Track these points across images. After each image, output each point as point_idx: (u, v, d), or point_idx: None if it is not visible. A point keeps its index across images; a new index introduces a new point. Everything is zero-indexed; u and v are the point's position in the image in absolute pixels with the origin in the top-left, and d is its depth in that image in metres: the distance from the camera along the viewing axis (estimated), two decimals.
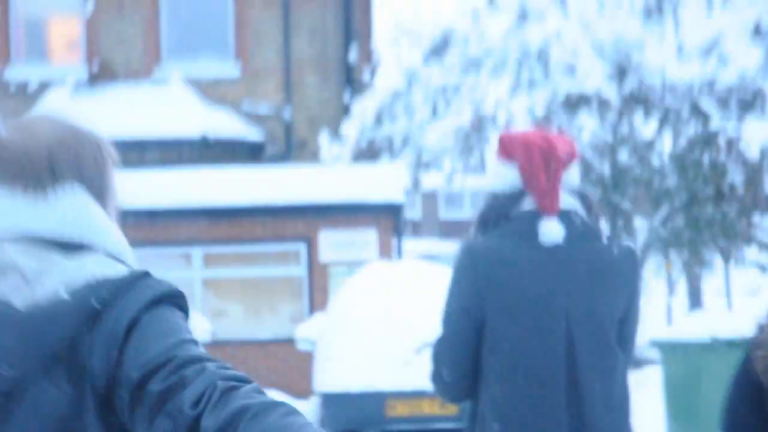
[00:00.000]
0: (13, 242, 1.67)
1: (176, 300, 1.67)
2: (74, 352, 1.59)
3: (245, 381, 1.58)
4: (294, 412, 1.55)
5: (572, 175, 3.32)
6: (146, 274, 1.67)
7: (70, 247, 1.68)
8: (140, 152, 17.65)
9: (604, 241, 3.28)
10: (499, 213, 3.26)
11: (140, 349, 1.59)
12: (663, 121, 16.73)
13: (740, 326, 9.54)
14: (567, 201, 3.26)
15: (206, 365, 1.58)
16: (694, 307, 28.98)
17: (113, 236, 1.74)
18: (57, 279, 1.63)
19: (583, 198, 3.31)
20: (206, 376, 1.56)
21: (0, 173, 1.72)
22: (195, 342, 1.64)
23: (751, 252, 19.51)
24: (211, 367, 1.58)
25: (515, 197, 3.26)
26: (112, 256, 1.72)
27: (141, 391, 1.57)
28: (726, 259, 19.59)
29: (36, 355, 1.59)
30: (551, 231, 3.19)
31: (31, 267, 1.65)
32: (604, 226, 3.35)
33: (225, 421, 1.52)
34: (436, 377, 3.33)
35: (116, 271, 1.66)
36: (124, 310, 1.61)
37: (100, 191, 1.77)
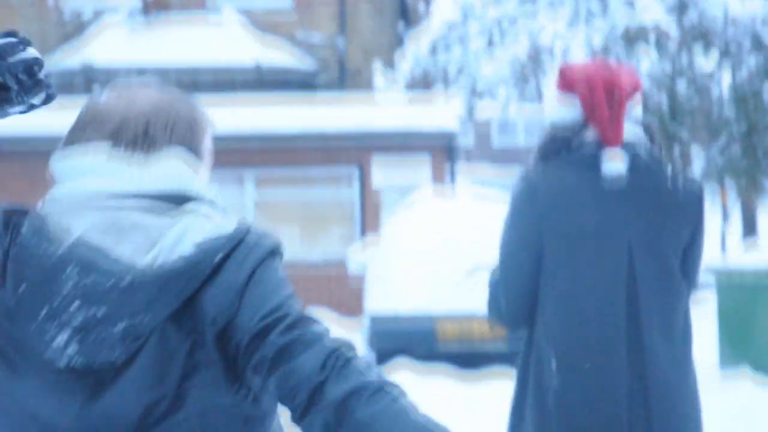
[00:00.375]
0: (128, 203, 1.80)
1: (279, 250, 1.84)
2: (197, 301, 1.76)
3: (352, 348, 1.78)
4: (402, 394, 1.74)
5: (636, 107, 3.27)
6: (250, 228, 1.82)
7: (177, 200, 1.82)
8: (194, 79, 17.68)
9: (669, 173, 3.23)
10: (560, 145, 3.22)
11: (258, 300, 1.77)
12: (723, 54, 16.48)
13: None
14: (631, 132, 3.22)
15: (319, 328, 1.78)
16: (749, 235, 28.80)
17: (212, 192, 1.88)
18: (178, 235, 1.78)
19: (649, 132, 3.26)
20: (325, 341, 1.75)
21: (101, 138, 1.84)
22: (296, 294, 1.82)
23: None
24: (323, 330, 1.78)
25: (576, 129, 3.21)
26: (214, 206, 1.86)
27: (262, 340, 1.75)
28: None
29: (166, 306, 1.75)
30: (614, 163, 3.14)
31: (150, 224, 1.78)
32: (665, 157, 3.30)
33: (346, 393, 1.70)
34: (493, 306, 3.30)
35: (225, 223, 1.82)
36: (242, 263, 1.77)
37: (193, 151, 1.88)
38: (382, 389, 1.72)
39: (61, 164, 1.85)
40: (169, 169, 1.83)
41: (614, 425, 3.08)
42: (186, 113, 1.90)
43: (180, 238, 1.77)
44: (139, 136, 1.84)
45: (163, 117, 1.86)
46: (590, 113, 3.17)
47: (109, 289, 1.74)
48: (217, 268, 1.76)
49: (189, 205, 1.82)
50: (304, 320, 1.78)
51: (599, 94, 3.16)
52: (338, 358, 1.74)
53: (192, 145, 1.89)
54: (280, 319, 1.76)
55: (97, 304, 1.74)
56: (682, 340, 3.17)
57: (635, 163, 3.16)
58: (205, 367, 1.76)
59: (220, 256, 1.76)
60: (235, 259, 1.77)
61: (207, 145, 1.94)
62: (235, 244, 1.78)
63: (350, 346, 1.78)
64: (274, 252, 1.82)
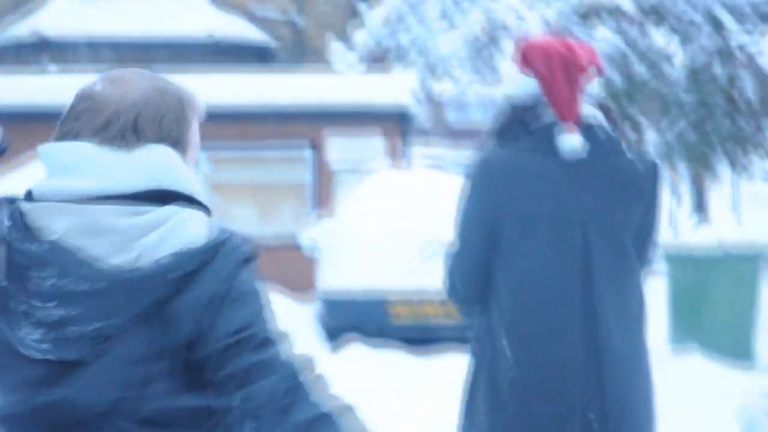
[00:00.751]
0: (109, 204, 1.84)
1: (254, 255, 1.88)
2: (171, 308, 1.81)
3: (314, 366, 1.88)
4: (357, 420, 1.90)
5: (593, 85, 3.22)
6: (230, 236, 1.86)
7: (160, 199, 1.86)
8: (147, 53, 17.47)
9: (627, 154, 3.18)
10: (516, 123, 3.17)
11: (233, 314, 1.82)
12: (679, 34, 16.54)
13: (748, 238, 9.54)
14: (589, 112, 3.16)
15: (287, 348, 1.86)
16: (701, 219, 28.98)
17: (197, 185, 1.93)
18: (156, 241, 1.82)
19: (605, 110, 3.21)
20: (293, 364, 1.85)
21: (93, 129, 1.90)
22: (268, 304, 1.88)
23: (763, 164, 19.45)
24: (290, 350, 1.86)
25: (534, 108, 3.16)
26: (198, 203, 1.90)
27: (232, 356, 1.82)
28: (737, 171, 19.52)
29: (136, 307, 1.80)
30: (572, 144, 3.09)
31: (128, 227, 1.83)
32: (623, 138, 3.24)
33: (310, 419, 1.82)
34: (450, 289, 3.26)
35: (206, 229, 1.86)
36: (218, 274, 1.82)
37: (178, 145, 1.95)
38: (340, 418, 1.86)
39: (48, 157, 1.90)
40: (152, 167, 1.87)
41: (568, 410, 3.04)
42: (175, 105, 1.95)
43: (158, 244, 1.82)
44: (128, 129, 1.89)
45: (152, 109, 1.91)
46: (547, 91, 3.12)
47: (85, 292, 1.80)
48: (193, 277, 1.81)
49: (171, 207, 1.86)
50: (274, 339, 1.85)
51: (557, 72, 3.10)
52: (304, 382, 1.84)
53: (179, 138, 1.95)
54: (252, 336, 1.82)
55: (73, 305, 1.81)
56: (637, 321, 3.14)
57: (591, 142, 3.11)
58: (169, 372, 1.82)
59: (195, 265, 1.81)
60: (213, 270, 1.82)
61: (194, 134, 2.00)
62: (213, 254, 1.83)
63: (313, 365, 1.88)
64: (249, 259, 1.87)
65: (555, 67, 3.11)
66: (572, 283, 3.07)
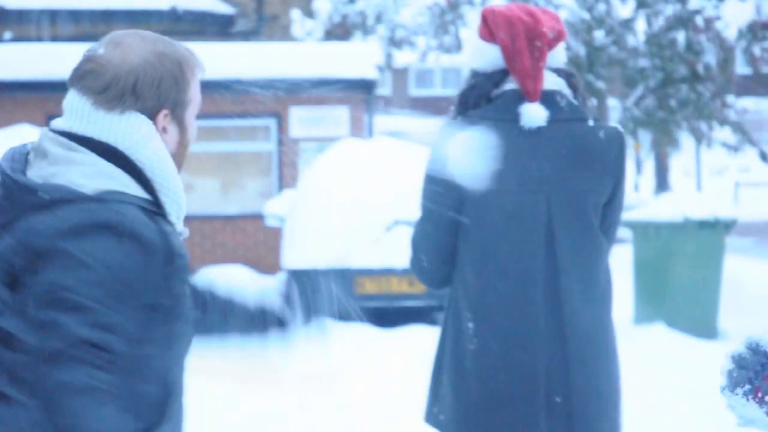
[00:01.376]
0: (61, 138, 2.02)
1: (114, 225, 1.92)
2: (19, 222, 1.96)
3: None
4: None
5: (559, 54, 3.17)
6: (121, 213, 1.94)
7: (109, 155, 2.00)
8: (107, 23, 17.25)
9: (590, 123, 3.13)
10: (479, 94, 3.12)
11: (51, 269, 1.90)
12: (639, 3, 16.54)
13: (710, 207, 9.57)
14: (552, 81, 3.12)
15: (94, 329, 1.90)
16: (661, 188, 29.13)
17: (160, 163, 2.04)
18: (48, 171, 1.99)
19: (569, 78, 3.16)
20: (84, 344, 1.89)
21: (93, 88, 2.04)
22: (110, 283, 1.90)
23: (723, 133, 19.54)
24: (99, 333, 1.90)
25: (497, 78, 3.12)
26: (147, 180, 2.02)
27: (39, 307, 1.90)
28: (698, 139, 19.61)
29: (11, 209, 1.97)
30: (533, 114, 3.05)
31: (57, 155, 2.01)
32: (588, 106, 3.19)
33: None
34: (415, 263, 3.22)
35: (92, 184, 1.97)
36: (43, 225, 1.93)
37: (177, 105, 2.09)
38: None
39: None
40: (117, 131, 2.02)
41: (531, 382, 3.01)
42: (173, 68, 2.08)
43: (46, 173, 1.99)
44: (126, 92, 2.03)
45: (150, 74, 2.05)
46: (510, 60, 3.07)
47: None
48: (50, 207, 1.93)
49: (98, 159, 2.00)
50: (87, 312, 1.90)
51: (521, 43, 3.06)
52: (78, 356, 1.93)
53: (177, 98, 2.09)
54: (64, 300, 1.89)
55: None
56: (602, 294, 3.10)
57: (555, 113, 3.06)
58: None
59: (57, 197, 1.93)
60: (53, 216, 1.93)
61: (194, 92, 2.15)
62: (75, 202, 1.93)
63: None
64: (105, 231, 1.92)
65: (518, 34, 3.07)
66: (535, 254, 3.03)
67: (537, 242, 3.04)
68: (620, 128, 3.19)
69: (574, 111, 3.12)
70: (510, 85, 3.10)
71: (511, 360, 3.02)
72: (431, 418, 3.19)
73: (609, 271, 3.15)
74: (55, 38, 18.90)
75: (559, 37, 3.13)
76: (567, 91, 3.14)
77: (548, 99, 3.08)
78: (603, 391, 3.10)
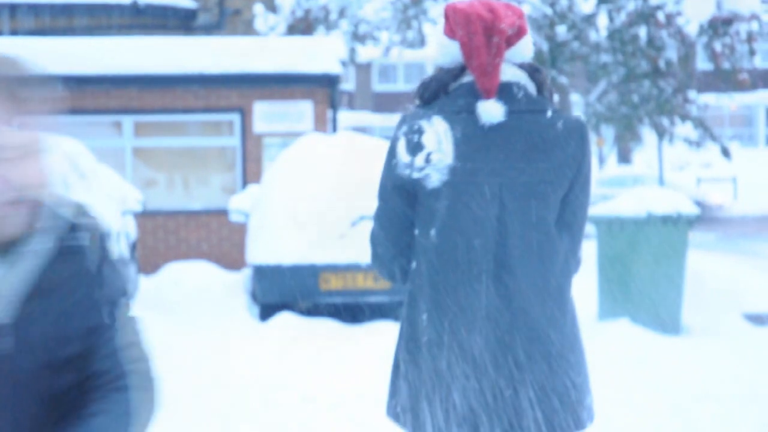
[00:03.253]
0: None
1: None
2: None
3: None
4: None
5: (523, 49, 3.16)
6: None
7: None
8: (68, 17, 17.14)
9: (549, 114, 3.11)
10: (438, 86, 3.13)
11: None
12: None
13: (673, 202, 9.62)
14: (510, 73, 3.11)
15: None
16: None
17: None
18: None
19: (534, 73, 3.15)
20: None
21: None
22: None
23: (684, 128, 19.67)
24: None
25: (456, 72, 3.12)
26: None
27: None
28: (660, 134, 19.72)
29: None
30: (490, 111, 3.04)
31: None
32: (554, 101, 3.18)
33: None
34: (374, 255, 3.23)
35: None
36: None
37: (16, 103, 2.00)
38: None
39: None
40: None
41: (477, 374, 3.00)
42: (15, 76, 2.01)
43: None
44: None
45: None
46: (467, 56, 3.07)
47: None
48: None
49: None
50: None
51: (478, 40, 3.05)
52: None
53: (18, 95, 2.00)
54: None
55: None
56: (558, 298, 3.05)
57: (512, 105, 3.05)
58: None
59: None
60: None
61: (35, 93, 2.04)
62: None
63: None
64: None
65: (475, 31, 3.06)
66: (485, 254, 3.01)
67: (487, 235, 3.02)
68: (582, 118, 3.16)
69: (532, 102, 3.10)
70: (468, 78, 3.10)
71: (461, 351, 3.02)
72: (391, 411, 3.21)
73: (568, 269, 3.11)
74: (15, 32, 18.74)
75: (519, 32, 3.12)
76: (528, 83, 3.12)
77: (505, 91, 3.06)
78: (556, 386, 3.07)
